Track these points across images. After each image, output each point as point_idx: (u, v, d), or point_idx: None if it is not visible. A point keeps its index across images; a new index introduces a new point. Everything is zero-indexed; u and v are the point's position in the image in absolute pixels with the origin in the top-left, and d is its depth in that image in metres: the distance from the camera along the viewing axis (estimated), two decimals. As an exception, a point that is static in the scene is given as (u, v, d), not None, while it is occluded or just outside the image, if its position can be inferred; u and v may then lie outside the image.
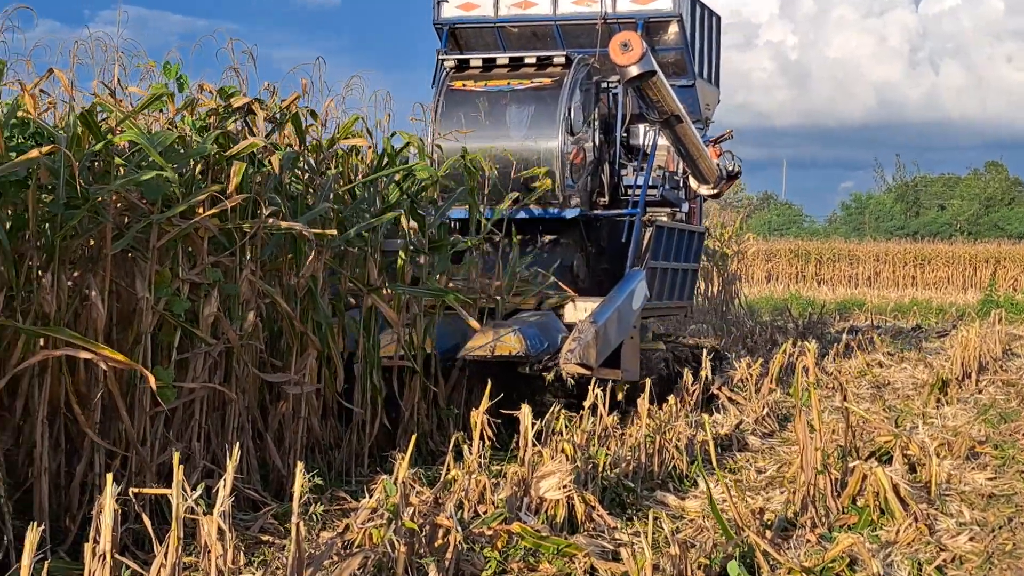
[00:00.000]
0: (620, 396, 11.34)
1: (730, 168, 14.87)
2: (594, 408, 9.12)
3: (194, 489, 5.33)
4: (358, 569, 5.85)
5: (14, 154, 6.58)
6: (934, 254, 47.20)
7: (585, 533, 7.33)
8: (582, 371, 10.05)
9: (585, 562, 6.67)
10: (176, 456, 5.13)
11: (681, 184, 14.85)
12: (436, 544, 6.41)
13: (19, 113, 7.31)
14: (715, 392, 12.74)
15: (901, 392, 14.82)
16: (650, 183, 13.53)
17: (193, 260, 7.83)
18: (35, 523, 4.35)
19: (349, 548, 6.37)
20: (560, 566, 6.70)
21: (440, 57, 13.55)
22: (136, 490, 5.58)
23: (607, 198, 13.48)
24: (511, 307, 11.48)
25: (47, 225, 6.90)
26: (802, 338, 19.05)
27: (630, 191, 13.47)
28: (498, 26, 14.64)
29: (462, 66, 13.35)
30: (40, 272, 6.74)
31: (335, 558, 6.02)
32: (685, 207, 14.95)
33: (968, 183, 71.86)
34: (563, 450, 8.07)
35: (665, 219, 13.99)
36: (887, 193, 76.91)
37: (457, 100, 12.93)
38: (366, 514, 6.57)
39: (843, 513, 7.84)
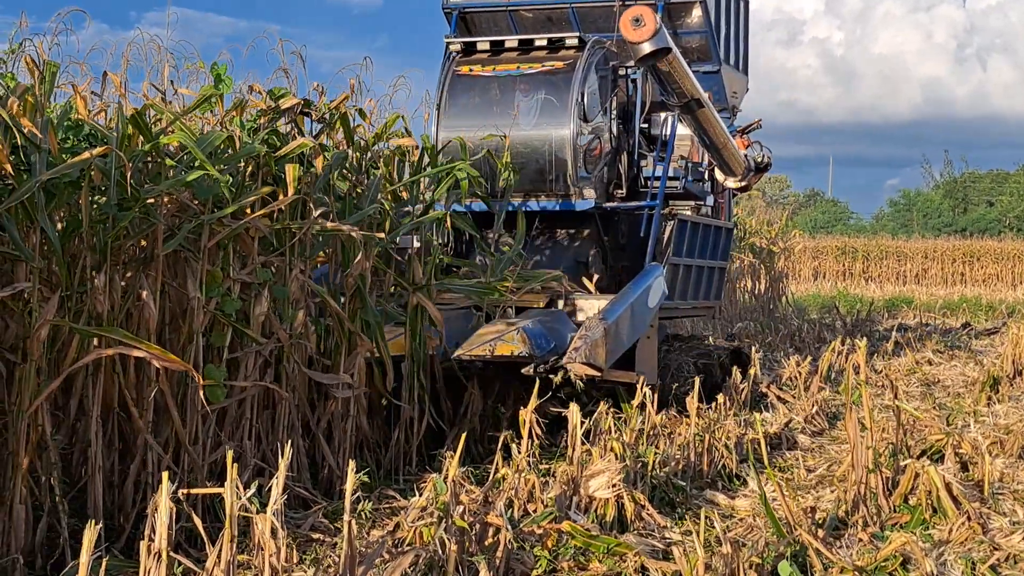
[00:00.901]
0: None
1: (759, 160, 13.98)
2: (642, 406, 9.09)
3: (246, 488, 5.37)
4: (409, 567, 5.86)
5: (67, 156, 6.65)
6: (983, 251, 46.77)
7: (635, 532, 7.32)
8: (590, 372, 9.30)
9: (635, 561, 6.66)
10: (229, 455, 5.16)
11: (706, 176, 14.00)
12: (486, 543, 6.42)
13: (72, 115, 7.39)
14: (764, 390, 12.68)
15: (951, 390, 14.69)
16: (671, 174, 12.78)
17: (243, 260, 7.89)
18: (92, 521, 4.38)
19: (400, 546, 6.40)
20: (610, 565, 6.69)
21: (446, 40, 12.75)
22: (189, 490, 5.61)
23: (625, 190, 12.67)
24: (521, 305, 10.73)
25: (99, 226, 6.97)
26: (850, 336, 18.94)
27: (650, 183, 12.63)
28: (510, 9, 13.88)
29: (469, 50, 12.54)
30: (93, 272, 6.81)
31: (386, 556, 6.04)
32: (710, 200, 14.07)
33: (1017, 179, 71.10)
34: (612, 449, 8.06)
35: (689, 213, 13.16)
36: (935, 190, 76.28)
37: (464, 86, 12.21)
38: (416, 513, 6.59)
39: (895, 512, 7.78)
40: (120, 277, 7.12)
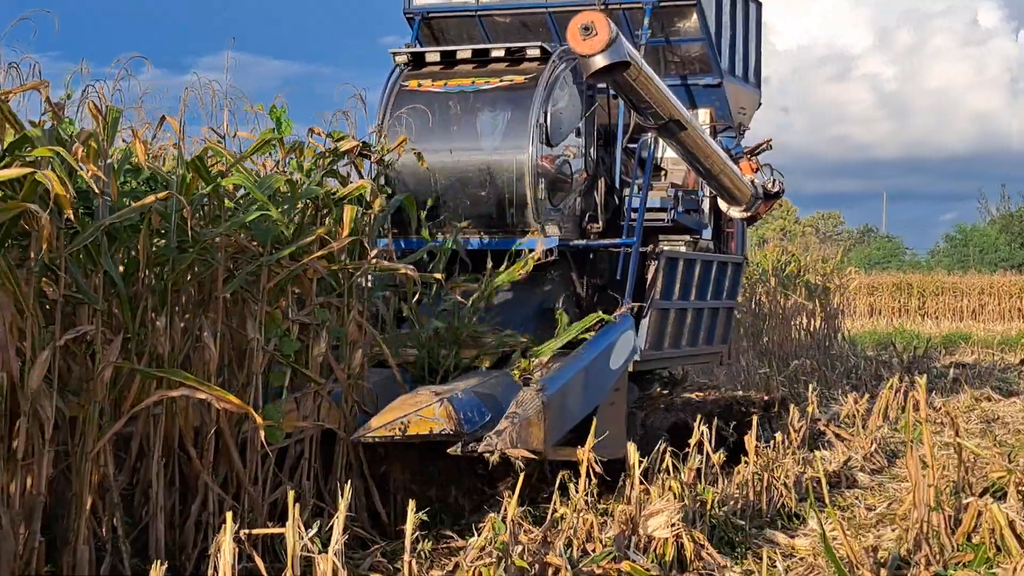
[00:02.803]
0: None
1: (768, 186, 12.40)
2: (700, 445, 9.05)
3: (306, 528, 5.40)
4: (469, 607, 5.87)
5: (127, 199, 6.76)
6: (1041, 286, 46.19)
7: (694, 572, 7.28)
8: (524, 455, 7.68)
9: (695, 601, 6.63)
10: (291, 495, 5.20)
11: (703, 206, 12.44)
12: (546, 582, 6.41)
13: (132, 159, 7.50)
14: (822, 428, 12.57)
15: (1012, 427, 14.52)
16: (657, 204, 11.27)
17: (301, 301, 7.95)
18: (157, 561, 4.42)
19: (459, 586, 6.39)
20: (670, 605, 6.66)
21: (391, 52, 10.93)
22: (251, 531, 5.64)
23: (601, 224, 10.96)
24: (465, 364, 9.24)
25: (159, 269, 7.06)
26: (907, 373, 18.77)
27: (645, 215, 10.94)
28: (481, 14, 12.15)
29: (418, 62, 10.81)
30: (154, 315, 6.89)
31: (446, 597, 6.05)
32: (707, 233, 12.57)
33: (1075, 213, 70.30)
34: (670, 488, 8.02)
35: (683, 248, 11.78)
36: (991, 224, 75.52)
37: (409, 103, 10.29)
38: (475, 553, 6.57)
39: (958, 551, 7.69)
40: (180, 319, 7.20)
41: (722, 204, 12.35)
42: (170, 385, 6.44)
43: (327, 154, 8.44)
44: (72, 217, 5.91)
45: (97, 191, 6.30)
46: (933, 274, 51.07)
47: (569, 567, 6.42)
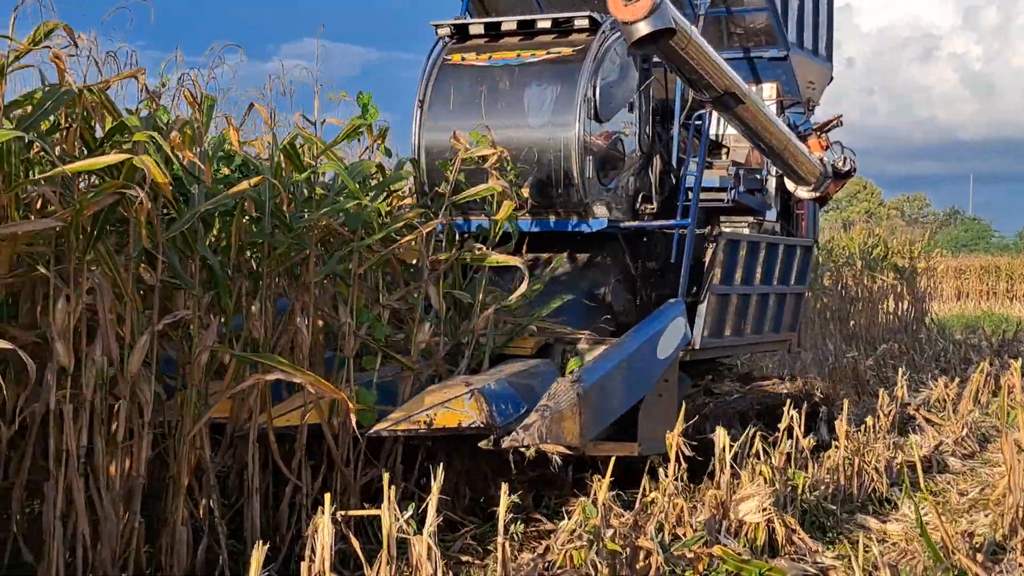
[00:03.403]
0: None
1: (839, 165, 11.72)
2: (790, 430, 8.99)
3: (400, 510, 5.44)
4: (562, 590, 5.89)
5: (220, 186, 6.85)
6: None
7: (786, 556, 7.24)
8: (560, 450, 7.32)
9: (788, 585, 6.60)
10: (386, 477, 5.24)
11: (768, 186, 11.94)
12: (637, 566, 6.41)
13: (225, 146, 7.61)
14: (912, 413, 12.42)
15: (1107, 411, 14.24)
16: (717, 184, 10.76)
17: (391, 286, 8.01)
18: (259, 542, 4.49)
19: (550, 569, 6.42)
20: (763, 589, 6.63)
21: (432, 24, 10.40)
22: (347, 512, 5.70)
23: (656, 205, 10.40)
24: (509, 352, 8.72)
25: (253, 254, 7.15)
26: (997, 356, 18.49)
27: (703, 195, 10.41)
28: None
29: (462, 34, 10.28)
30: (248, 299, 6.98)
31: (539, 579, 6.08)
32: (771, 214, 11.98)
33: None
34: (761, 473, 7.98)
35: (746, 231, 11.24)
36: (1082, 205, 74.07)
37: (452, 78, 9.97)
38: (566, 536, 6.60)
39: (1055, 537, 7.58)
40: (273, 304, 7.29)
41: (789, 184, 11.76)
42: (265, 369, 6.52)
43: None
44: (170, 202, 6.02)
45: (193, 177, 6.39)
46: (1022, 256, 50.19)
47: (660, 551, 6.41)
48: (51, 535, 5.66)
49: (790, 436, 8.70)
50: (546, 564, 6.48)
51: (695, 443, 8.06)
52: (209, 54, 6.96)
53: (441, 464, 5.98)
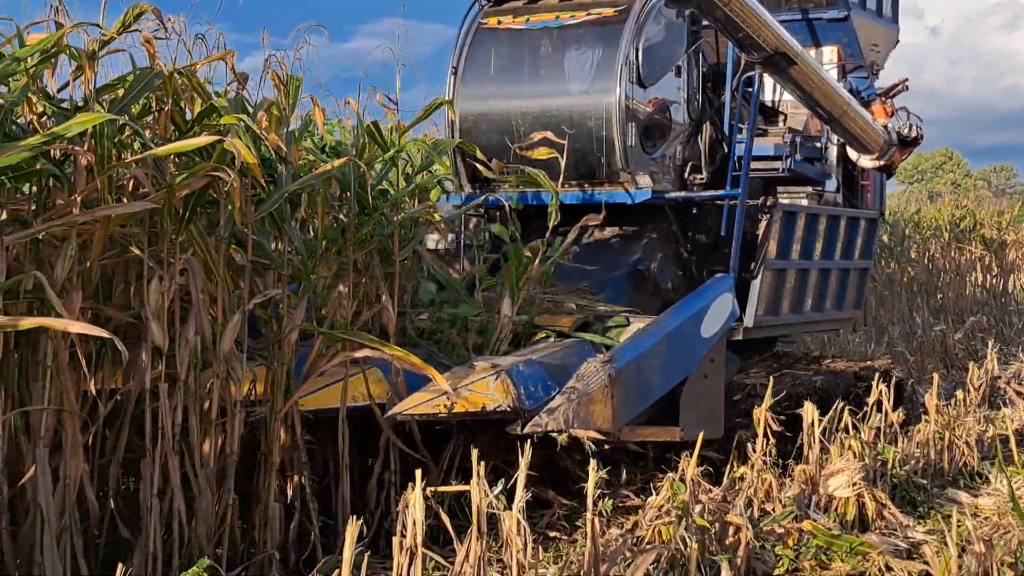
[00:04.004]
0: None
1: (904, 131, 11.02)
2: (879, 404, 8.90)
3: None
4: (651, 565, 5.89)
5: (306, 167, 6.91)
6: None
7: (876, 531, 7.18)
8: (594, 436, 6.69)
9: (879, 560, 6.54)
10: (475, 453, 5.26)
11: (828, 154, 11.23)
12: (727, 541, 6.40)
13: (310, 128, 7.68)
14: (1002, 386, 12.21)
15: None
16: (771, 152, 10.12)
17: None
18: (353, 517, 4.54)
19: (639, 544, 6.42)
20: (853, 564, 6.59)
21: None
22: (437, 488, 5.73)
23: (705, 175, 9.93)
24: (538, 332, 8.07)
25: (339, 233, 7.21)
26: (1090, 329, 18.14)
27: (757, 164, 9.85)
28: None
29: None
30: (335, 279, 7.05)
31: (627, 554, 6.07)
32: (831, 185, 11.29)
33: None
34: (850, 447, 7.91)
35: (806, 202, 10.61)
36: None
37: (489, 43, 9.47)
38: (654, 512, 6.59)
39: None
40: (359, 282, 7.35)
41: (851, 152, 11.11)
42: (352, 347, 6.57)
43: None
44: (259, 183, 6.09)
45: (280, 159, 6.46)
46: (1113, 226, 49.09)
47: (750, 526, 6.39)
48: (148, 512, 5.76)
49: (879, 410, 8.61)
50: (635, 539, 6.48)
51: (783, 418, 8.00)
52: (295, 35, 7.01)
53: (529, 441, 5.97)
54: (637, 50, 9.13)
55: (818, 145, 11.09)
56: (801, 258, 9.99)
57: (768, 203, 9.63)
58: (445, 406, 6.42)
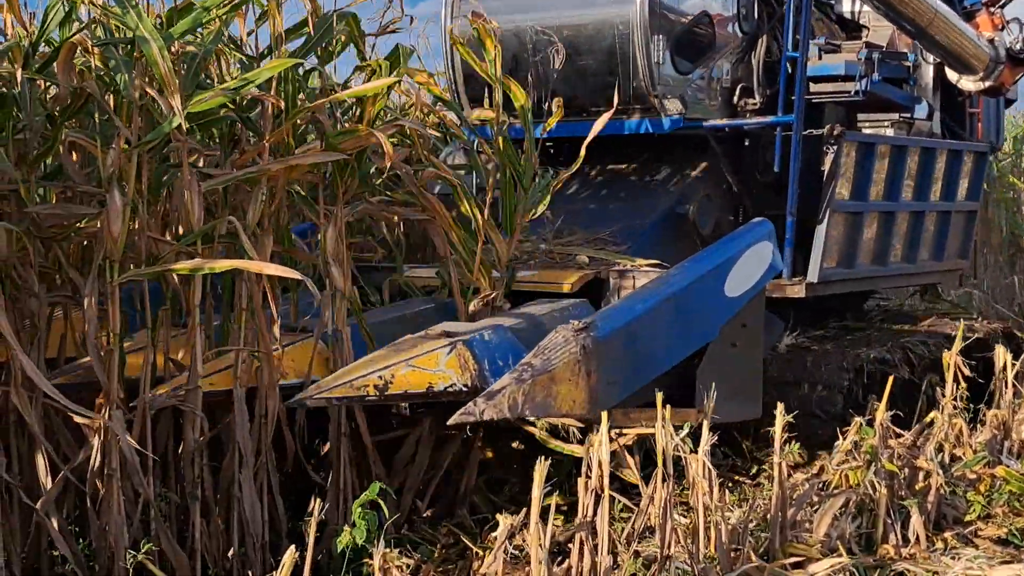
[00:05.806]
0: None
1: (1015, 47, 9.32)
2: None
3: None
4: (839, 509, 5.81)
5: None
6: None
7: (1072, 478, 6.95)
8: (569, 422, 5.54)
9: (1076, 507, 6.36)
10: (659, 397, 5.22)
11: (919, 75, 9.50)
12: (916, 487, 6.28)
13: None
14: None
15: None
16: (842, 71, 8.39)
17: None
18: (541, 457, 4.56)
19: (825, 489, 6.33)
20: (1049, 512, 6.41)
21: None
22: (622, 430, 5.71)
23: (758, 99, 8.32)
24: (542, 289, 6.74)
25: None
26: None
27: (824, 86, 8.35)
28: None
29: None
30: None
31: (815, 499, 6.00)
32: (921, 111, 9.48)
33: None
34: (1044, 392, 7.66)
35: (890, 131, 9.02)
36: None
37: None
38: (841, 456, 6.48)
39: None
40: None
41: (950, 73, 9.47)
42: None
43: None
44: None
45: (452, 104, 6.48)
46: None
47: (940, 471, 6.25)
48: (336, 454, 5.87)
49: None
50: (821, 484, 6.40)
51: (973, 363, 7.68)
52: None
53: (713, 383, 5.82)
54: None
55: (906, 64, 9.24)
56: (885, 198, 8.56)
57: (835, 133, 8.08)
58: (376, 386, 5.13)
